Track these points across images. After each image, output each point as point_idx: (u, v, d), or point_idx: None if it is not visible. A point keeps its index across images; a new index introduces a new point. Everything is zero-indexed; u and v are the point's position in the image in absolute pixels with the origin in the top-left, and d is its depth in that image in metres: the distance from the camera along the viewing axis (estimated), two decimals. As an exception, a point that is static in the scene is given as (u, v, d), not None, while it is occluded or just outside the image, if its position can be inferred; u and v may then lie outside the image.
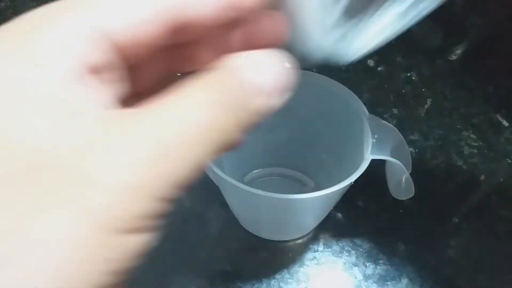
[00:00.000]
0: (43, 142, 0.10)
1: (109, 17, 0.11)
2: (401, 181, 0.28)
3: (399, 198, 0.29)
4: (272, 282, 0.33)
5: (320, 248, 0.34)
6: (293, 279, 0.33)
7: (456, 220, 0.35)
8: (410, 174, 0.28)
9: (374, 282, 0.32)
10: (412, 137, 0.40)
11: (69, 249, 0.09)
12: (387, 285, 0.32)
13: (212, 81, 0.12)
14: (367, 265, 0.33)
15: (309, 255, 0.34)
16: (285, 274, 0.33)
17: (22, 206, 0.09)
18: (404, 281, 0.32)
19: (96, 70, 0.11)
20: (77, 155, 0.10)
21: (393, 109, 0.43)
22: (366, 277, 0.33)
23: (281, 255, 0.34)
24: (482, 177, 0.38)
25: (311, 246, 0.34)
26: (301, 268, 0.33)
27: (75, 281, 0.09)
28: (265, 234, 0.34)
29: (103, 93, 0.11)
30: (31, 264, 0.09)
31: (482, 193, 0.37)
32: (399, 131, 0.27)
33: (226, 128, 0.11)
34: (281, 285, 0.33)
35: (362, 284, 0.32)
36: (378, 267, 0.33)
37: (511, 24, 0.49)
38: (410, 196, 0.28)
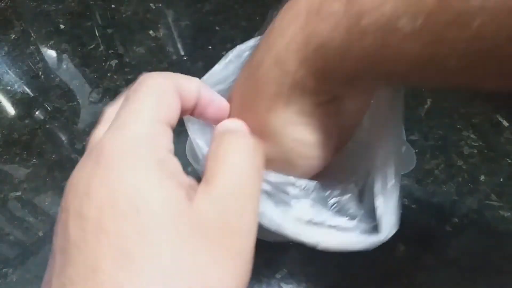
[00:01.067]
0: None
1: (173, 118, 0.19)
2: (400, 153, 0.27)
3: (402, 172, 0.28)
4: (272, 282, 0.33)
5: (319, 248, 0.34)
6: (293, 279, 0.33)
7: (456, 220, 0.35)
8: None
9: (374, 282, 0.32)
10: (412, 137, 0.40)
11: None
12: (388, 285, 0.32)
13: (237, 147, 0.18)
14: (367, 265, 0.33)
15: (309, 255, 0.34)
16: (285, 273, 0.33)
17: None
18: (404, 281, 0.32)
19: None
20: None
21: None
22: (367, 278, 0.33)
23: (281, 255, 0.34)
24: (482, 177, 0.38)
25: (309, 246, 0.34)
26: (302, 268, 0.33)
27: None
28: (264, 237, 0.34)
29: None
30: None
31: (482, 193, 0.37)
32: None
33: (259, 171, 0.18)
34: (281, 285, 0.33)
35: (362, 285, 0.32)
36: (378, 267, 0.33)
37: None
38: (412, 167, 0.27)
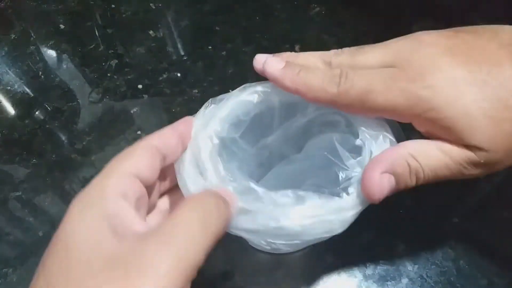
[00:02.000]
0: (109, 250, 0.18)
1: (138, 167, 0.22)
2: None
3: None
4: (272, 282, 0.33)
5: (320, 248, 0.34)
6: (293, 279, 0.33)
7: (456, 220, 0.35)
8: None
9: (374, 282, 0.32)
10: (413, 137, 0.40)
11: None
12: (387, 285, 0.32)
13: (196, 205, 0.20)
14: (367, 265, 0.33)
15: (309, 255, 0.34)
16: (285, 274, 0.33)
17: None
18: (404, 281, 0.32)
19: (137, 199, 0.22)
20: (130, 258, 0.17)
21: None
22: (366, 277, 0.33)
23: (281, 255, 0.34)
24: (482, 177, 0.38)
25: (311, 246, 0.34)
26: (301, 268, 0.33)
27: None
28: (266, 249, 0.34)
29: (139, 212, 0.22)
30: None
31: (482, 193, 0.37)
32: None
33: (212, 232, 0.20)
34: (281, 285, 0.32)
35: (362, 284, 0.32)
36: (378, 267, 0.33)
37: (511, 24, 0.49)
38: None
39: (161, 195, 0.27)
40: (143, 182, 0.22)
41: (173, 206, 0.27)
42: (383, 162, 0.23)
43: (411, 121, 0.24)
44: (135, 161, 0.22)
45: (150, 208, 0.25)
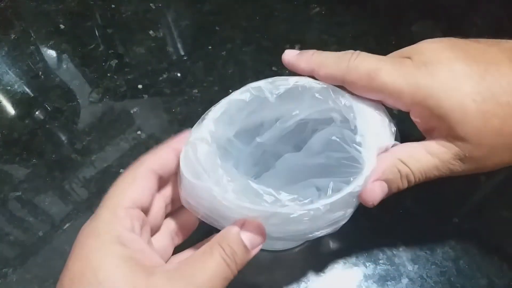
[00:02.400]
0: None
1: (140, 198, 0.23)
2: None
3: None
4: (272, 283, 0.33)
5: (320, 248, 0.34)
6: (293, 279, 0.33)
7: (456, 220, 0.35)
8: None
9: (374, 282, 0.32)
10: (413, 138, 0.40)
11: None
12: (387, 285, 0.32)
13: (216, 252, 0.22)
14: (367, 265, 0.33)
15: (309, 255, 0.34)
16: (285, 274, 0.33)
17: None
18: (404, 281, 0.32)
19: (141, 227, 0.23)
20: None
21: (393, 110, 0.42)
22: (366, 277, 0.33)
23: (281, 256, 0.34)
24: (482, 177, 0.38)
25: (311, 246, 0.34)
26: (301, 268, 0.33)
27: None
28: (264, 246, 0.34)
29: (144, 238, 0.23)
30: None
31: (482, 193, 0.37)
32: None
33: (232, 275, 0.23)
34: (280, 284, 0.33)
35: (362, 284, 0.32)
36: (378, 267, 0.33)
37: (511, 24, 0.49)
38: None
39: (167, 216, 0.27)
40: (143, 209, 0.24)
41: (178, 225, 0.27)
42: (374, 172, 0.24)
43: (411, 109, 0.25)
44: (136, 192, 0.23)
45: (154, 230, 0.26)
